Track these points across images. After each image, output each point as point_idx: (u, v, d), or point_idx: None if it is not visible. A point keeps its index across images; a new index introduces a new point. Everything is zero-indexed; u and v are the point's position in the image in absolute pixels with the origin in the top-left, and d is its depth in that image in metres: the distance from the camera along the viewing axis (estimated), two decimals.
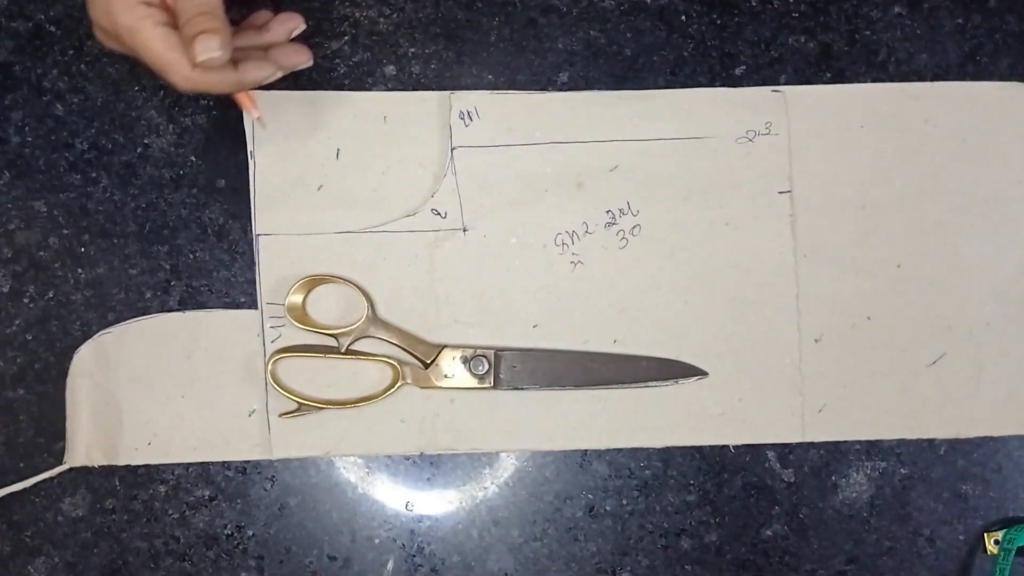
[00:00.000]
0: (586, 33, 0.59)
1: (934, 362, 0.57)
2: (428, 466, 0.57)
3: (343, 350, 0.56)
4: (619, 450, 0.57)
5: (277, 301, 0.56)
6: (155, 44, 0.45)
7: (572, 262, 0.57)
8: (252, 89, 0.50)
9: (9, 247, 0.57)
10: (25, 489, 0.55)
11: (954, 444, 0.57)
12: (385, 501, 0.57)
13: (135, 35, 0.45)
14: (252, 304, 0.56)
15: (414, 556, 0.56)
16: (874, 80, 0.59)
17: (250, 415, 0.56)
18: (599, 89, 0.58)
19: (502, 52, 0.58)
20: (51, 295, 0.56)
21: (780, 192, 0.58)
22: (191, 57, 0.45)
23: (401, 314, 0.56)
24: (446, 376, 0.56)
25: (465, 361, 0.56)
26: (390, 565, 0.56)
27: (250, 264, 0.56)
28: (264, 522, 0.56)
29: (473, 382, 0.56)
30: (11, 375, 0.56)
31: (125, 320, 0.56)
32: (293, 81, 0.57)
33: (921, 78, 0.59)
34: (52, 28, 0.57)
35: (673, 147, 0.58)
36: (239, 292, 0.57)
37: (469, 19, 0.59)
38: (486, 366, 0.56)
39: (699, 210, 0.57)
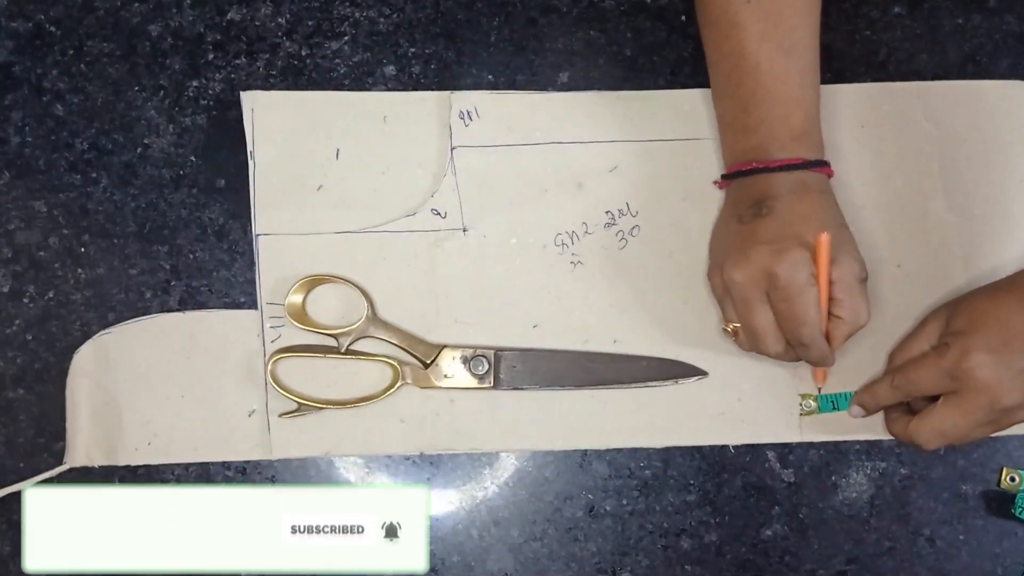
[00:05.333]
0: (586, 33, 0.59)
1: None
2: (428, 466, 0.57)
3: (343, 350, 0.56)
4: (619, 450, 0.57)
5: (277, 301, 0.56)
6: (812, 309, 0.50)
7: (572, 262, 0.57)
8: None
9: (9, 247, 0.57)
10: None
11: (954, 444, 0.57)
12: None
13: (801, 293, 0.49)
14: (252, 304, 0.56)
15: None
16: (874, 80, 0.59)
17: (250, 415, 0.56)
18: (599, 89, 0.58)
19: (502, 52, 0.58)
20: (51, 295, 0.56)
21: None
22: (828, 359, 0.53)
23: (401, 314, 0.56)
24: (446, 376, 0.56)
25: (465, 361, 0.56)
26: None
27: (250, 264, 0.56)
28: None
29: (473, 382, 0.56)
30: (11, 375, 0.56)
31: (125, 320, 0.56)
32: (293, 81, 0.58)
33: (921, 78, 0.59)
34: (52, 28, 0.57)
35: (673, 147, 0.58)
36: (239, 292, 0.57)
37: (469, 19, 0.59)
38: (486, 366, 0.56)
39: (699, 210, 0.57)
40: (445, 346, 0.56)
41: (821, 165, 0.52)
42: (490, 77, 0.58)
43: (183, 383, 0.56)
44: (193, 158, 0.57)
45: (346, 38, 0.58)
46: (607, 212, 0.57)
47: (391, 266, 0.57)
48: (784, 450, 0.57)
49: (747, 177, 0.53)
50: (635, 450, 0.57)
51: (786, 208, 0.51)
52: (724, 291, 0.53)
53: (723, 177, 0.56)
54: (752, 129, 0.52)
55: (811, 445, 0.57)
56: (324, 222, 0.56)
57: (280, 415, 0.55)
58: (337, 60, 0.58)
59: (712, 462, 0.57)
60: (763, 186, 0.52)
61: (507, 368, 0.56)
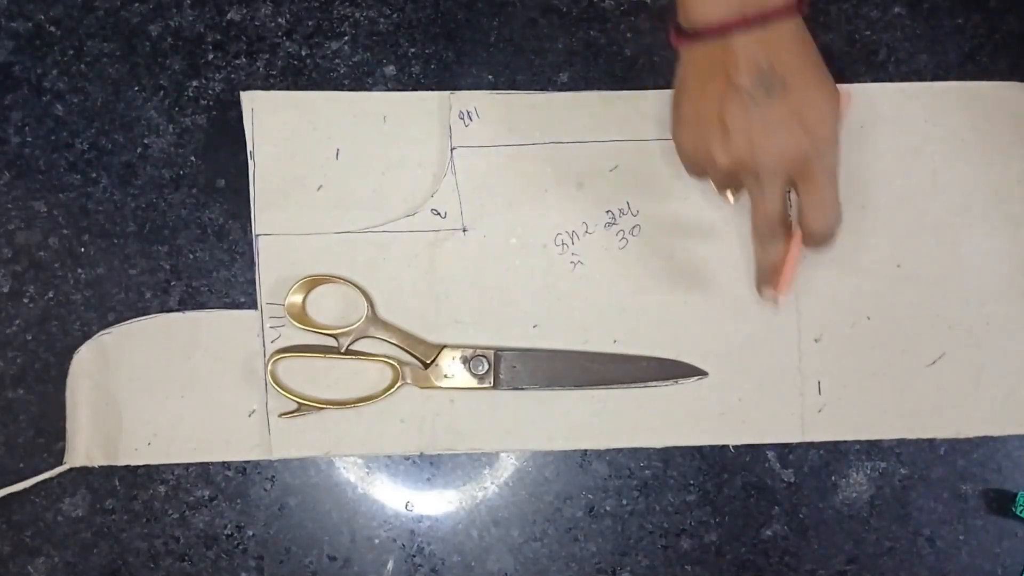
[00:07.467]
0: (586, 33, 0.59)
1: (934, 362, 0.57)
2: (428, 466, 0.57)
3: (343, 350, 0.56)
4: (619, 450, 0.57)
5: (277, 301, 0.56)
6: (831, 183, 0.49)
7: (572, 262, 0.57)
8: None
9: (9, 247, 0.57)
10: (25, 489, 0.55)
11: (954, 444, 0.57)
12: (385, 501, 0.57)
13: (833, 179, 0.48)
14: (252, 304, 0.56)
15: (414, 556, 0.56)
16: (874, 80, 0.59)
17: (250, 415, 0.56)
18: (599, 89, 0.58)
19: (502, 52, 0.58)
20: (51, 295, 0.56)
21: None
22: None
23: (401, 314, 0.56)
24: (446, 376, 0.56)
25: (465, 361, 0.56)
26: (390, 565, 0.56)
27: (250, 264, 0.57)
28: (264, 522, 0.56)
29: (473, 382, 0.56)
30: (11, 375, 0.56)
31: (125, 320, 0.56)
32: (293, 81, 0.58)
33: (921, 78, 0.59)
34: (52, 28, 0.57)
35: (673, 147, 0.57)
36: (239, 292, 0.57)
37: (469, 19, 0.59)
38: (486, 366, 0.56)
39: (699, 210, 0.57)
40: (445, 346, 0.56)
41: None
42: (490, 77, 0.58)
43: (183, 383, 0.56)
44: (193, 158, 0.57)
45: (346, 38, 0.58)
46: (607, 212, 0.57)
47: (391, 266, 0.57)
48: (784, 450, 0.57)
49: (742, 35, 0.45)
50: (635, 450, 0.57)
51: (798, 79, 0.46)
52: (730, 170, 0.49)
53: (683, 32, 0.48)
54: None
55: (811, 445, 0.57)
56: (324, 222, 0.57)
57: (280, 415, 0.55)
58: (337, 60, 0.58)
59: (712, 462, 0.57)
60: (765, 48, 0.45)
61: (507, 368, 0.56)
